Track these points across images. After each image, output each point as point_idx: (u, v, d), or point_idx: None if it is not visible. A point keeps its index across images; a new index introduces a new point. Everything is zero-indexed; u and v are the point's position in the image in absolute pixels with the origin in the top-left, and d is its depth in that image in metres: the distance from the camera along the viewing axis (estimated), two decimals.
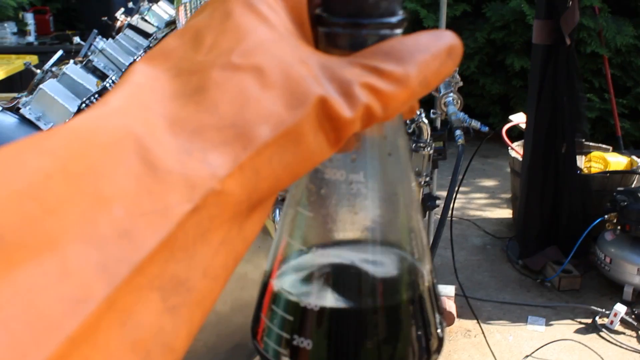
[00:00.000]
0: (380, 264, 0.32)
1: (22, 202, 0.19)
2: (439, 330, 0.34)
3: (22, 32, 5.28)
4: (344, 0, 0.28)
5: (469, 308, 2.60)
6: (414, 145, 2.20)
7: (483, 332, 2.55)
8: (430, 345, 0.33)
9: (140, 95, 0.24)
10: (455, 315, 2.68)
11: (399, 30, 0.28)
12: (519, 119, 3.71)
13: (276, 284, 0.33)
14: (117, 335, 0.20)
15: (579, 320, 2.75)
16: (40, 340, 0.18)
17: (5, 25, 5.05)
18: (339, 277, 0.33)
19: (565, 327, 2.70)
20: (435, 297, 0.34)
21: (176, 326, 0.22)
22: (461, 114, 1.85)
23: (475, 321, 2.65)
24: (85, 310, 0.19)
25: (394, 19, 0.28)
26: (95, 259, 0.19)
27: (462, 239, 3.52)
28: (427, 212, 2.36)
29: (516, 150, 3.52)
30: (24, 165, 0.20)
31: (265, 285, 0.34)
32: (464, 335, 2.62)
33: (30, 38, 5.32)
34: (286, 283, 0.33)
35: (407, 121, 2.16)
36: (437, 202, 2.24)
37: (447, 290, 2.75)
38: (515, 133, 3.85)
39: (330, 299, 0.31)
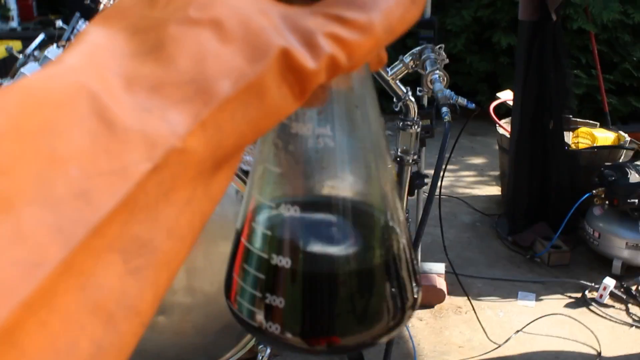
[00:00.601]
0: (351, 220, 0.32)
1: None
2: (413, 286, 0.33)
3: (4, 17, 5.22)
4: None
5: (460, 285, 2.61)
6: (401, 123, 2.19)
7: (474, 309, 2.56)
8: (404, 303, 0.33)
9: (96, 53, 0.23)
10: (446, 292, 2.70)
11: None
12: (506, 96, 3.71)
13: (247, 242, 0.33)
14: (76, 298, 0.19)
15: (568, 294, 2.77)
16: None
17: None
18: (310, 233, 0.32)
19: (556, 302, 2.72)
20: (410, 255, 0.34)
21: (140, 288, 0.21)
22: (447, 91, 1.85)
23: (465, 298, 2.66)
24: (40, 274, 0.18)
25: None
26: (51, 221, 0.19)
27: (451, 217, 3.53)
28: (416, 191, 2.36)
29: (504, 127, 3.52)
30: None
31: (236, 243, 0.34)
32: (455, 312, 2.63)
33: (14, 24, 5.26)
34: (257, 241, 0.32)
35: (394, 99, 2.15)
36: (426, 180, 2.24)
37: (437, 268, 2.76)
38: (503, 110, 3.85)
39: (301, 257, 0.31)
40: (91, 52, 0.23)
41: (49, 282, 0.18)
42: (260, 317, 0.32)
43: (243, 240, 0.33)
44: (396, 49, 2.32)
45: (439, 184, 1.84)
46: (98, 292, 0.20)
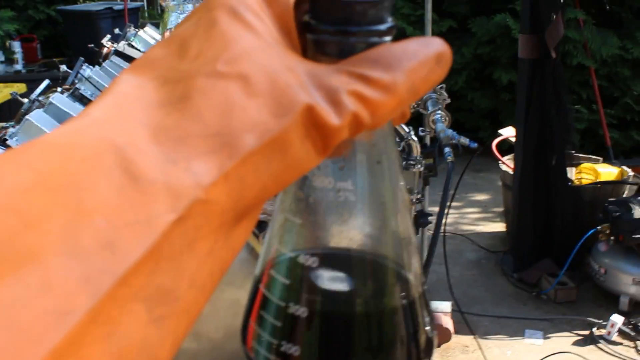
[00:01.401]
0: (368, 272, 0.32)
1: (1, 216, 0.19)
2: (429, 335, 0.34)
3: (9, 60, 5.29)
4: (333, 7, 0.27)
5: (466, 323, 2.59)
6: (404, 162, 2.20)
7: (480, 348, 2.54)
8: (419, 354, 0.33)
9: (123, 104, 0.24)
10: (452, 331, 2.67)
11: (387, 38, 0.28)
12: (508, 132, 3.72)
13: (265, 290, 0.33)
14: (102, 347, 0.19)
15: (576, 332, 2.75)
16: (24, 355, 0.18)
17: None
18: (327, 284, 0.32)
19: (563, 340, 2.69)
20: (426, 303, 0.34)
21: (161, 336, 0.21)
22: (450, 131, 1.86)
23: (472, 336, 2.64)
24: (68, 323, 0.18)
25: (382, 27, 0.28)
26: (78, 272, 0.19)
27: (456, 254, 3.51)
28: (420, 229, 2.35)
29: (507, 164, 3.52)
30: (1, 180, 0.20)
31: (255, 290, 0.34)
32: (462, 351, 2.61)
33: (18, 66, 5.32)
34: (275, 289, 0.33)
35: (397, 139, 2.16)
36: (430, 218, 2.24)
37: (443, 307, 2.74)
38: (506, 147, 3.86)
39: (317, 306, 0.31)
40: (118, 103, 0.24)
41: (77, 331, 0.18)
42: None
43: (261, 287, 0.33)
44: None
45: (443, 221, 1.84)
46: (123, 340, 0.20)
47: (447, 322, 2.67)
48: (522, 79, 3.14)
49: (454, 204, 4.15)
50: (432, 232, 1.81)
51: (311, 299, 0.32)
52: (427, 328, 0.34)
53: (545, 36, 2.89)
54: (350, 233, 0.32)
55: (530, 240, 3.21)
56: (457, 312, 2.77)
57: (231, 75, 0.24)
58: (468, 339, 2.67)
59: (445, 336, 2.65)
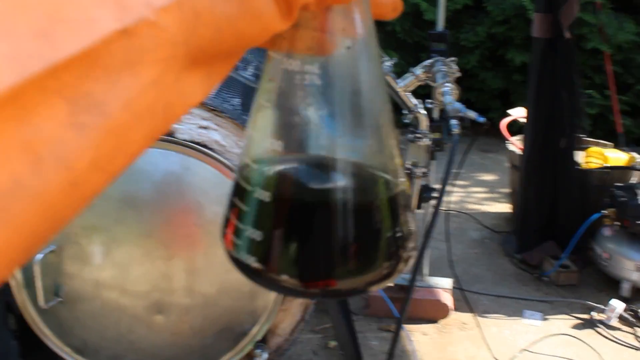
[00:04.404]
0: (348, 164, 0.32)
1: None
2: (408, 242, 0.33)
3: None
4: None
5: (465, 301, 2.59)
6: (411, 136, 2.19)
7: (478, 326, 2.54)
8: (398, 253, 0.32)
9: None
10: (451, 307, 2.67)
11: None
12: (518, 113, 3.70)
13: (241, 180, 0.33)
14: (10, 129, 0.19)
15: (575, 315, 2.74)
16: None
17: None
18: (305, 172, 0.32)
19: (562, 322, 2.69)
20: (408, 215, 0.34)
21: (79, 145, 0.20)
22: (457, 104, 1.84)
23: (471, 314, 2.64)
24: None
25: None
26: (7, 50, 0.19)
27: (460, 232, 3.51)
28: (424, 204, 2.34)
29: (515, 144, 3.50)
30: None
31: (235, 183, 0.34)
32: (460, 328, 2.61)
33: None
34: (251, 178, 0.33)
35: (404, 111, 2.15)
36: (434, 193, 2.23)
37: (444, 283, 2.74)
38: (516, 128, 3.83)
39: (294, 193, 0.31)
40: None
41: None
42: (254, 257, 0.32)
43: (239, 178, 0.33)
44: (410, 63, 2.32)
45: (445, 198, 1.83)
46: (34, 131, 0.19)
47: (447, 299, 2.66)
48: (534, 58, 3.10)
49: (460, 182, 4.15)
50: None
51: (288, 187, 0.32)
52: (408, 236, 0.34)
53: (560, 16, 2.86)
54: (314, 118, 0.32)
55: (535, 222, 3.19)
56: (457, 290, 2.77)
57: None
58: (467, 317, 2.67)
59: (443, 312, 2.65)
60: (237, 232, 0.32)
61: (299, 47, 0.29)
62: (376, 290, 0.34)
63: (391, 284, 2.67)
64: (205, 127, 1.37)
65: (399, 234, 0.33)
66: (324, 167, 0.32)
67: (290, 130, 0.32)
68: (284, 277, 0.31)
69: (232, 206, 0.33)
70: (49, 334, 1.44)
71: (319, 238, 0.31)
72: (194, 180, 1.31)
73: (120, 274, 1.38)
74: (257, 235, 0.31)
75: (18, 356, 1.58)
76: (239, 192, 0.33)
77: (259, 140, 0.33)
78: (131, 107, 0.22)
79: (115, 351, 1.45)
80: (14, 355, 1.57)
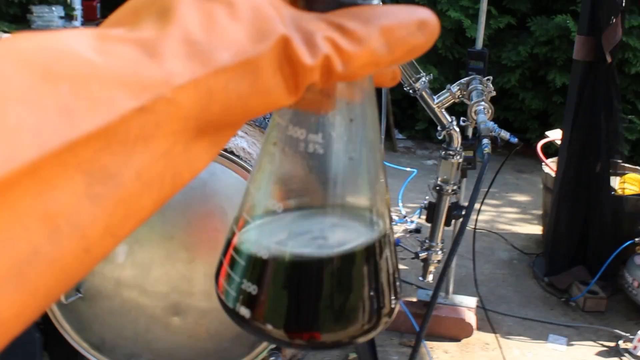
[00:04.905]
0: (329, 222, 0.33)
1: None
2: (392, 296, 0.35)
3: (69, 16, 5.36)
4: None
5: (488, 321, 2.57)
6: (443, 152, 2.18)
7: (500, 347, 2.52)
8: (380, 308, 0.34)
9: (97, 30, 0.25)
10: (474, 327, 2.65)
11: (375, 1, 0.29)
12: (555, 135, 3.66)
13: (238, 232, 0.35)
14: (31, 200, 0.20)
15: (601, 342, 2.70)
16: None
17: (54, 8, 5.13)
18: (297, 231, 0.34)
19: (587, 349, 2.65)
20: (393, 267, 0.35)
21: (94, 214, 0.22)
22: (490, 123, 1.83)
23: (494, 335, 2.62)
24: (6, 167, 0.19)
25: None
26: (32, 124, 0.20)
27: (489, 252, 3.48)
28: (453, 222, 2.34)
29: (550, 166, 3.47)
30: None
31: (231, 232, 0.36)
32: (482, 348, 2.59)
33: (77, 23, 5.39)
34: (244, 233, 0.34)
35: (439, 128, 2.15)
36: (463, 211, 2.22)
37: (468, 302, 2.72)
38: (552, 150, 3.80)
39: (286, 251, 0.33)
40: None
41: (11, 177, 0.19)
42: (243, 305, 0.33)
43: (236, 229, 0.35)
44: (449, 79, 2.32)
45: (474, 216, 1.82)
46: (53, 202, 0.21)
47: (470, 317, 2.65)
48: (574, 80, 3.08)
49: (492, 202, 4.11)
50: (468, 227, 1.80)
51: (280, 244, 0.33)
52: (393, 289, 0.35)
53: (602, 39, 2.83)
54: (320, 185, 0.33)
55: (565, 246, 3.16)
56: (481, 309, 2.75)
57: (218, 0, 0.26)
58: (489, 337, 2.65)
59: (466, 331, 2.63)
60: (228, 280, 0.34)
61: (301, 105, 0.31)
62: (362, 342, 0.35)
63: (413, 299, 2.66)
64: None
65: (382, 289, 0.34)
66: (315, 228, 0.33)
67: (288, 193, 0.34)
68: (269, 327, 0.32)
69: (226, 253, 0.35)
70: (68, 328, 1.47)
71: (306, 294, 0.32)
72: (218, 185, 1.33)
73: (141, 273, 1.40)
74: (247, 286, 0.33)
75: (41, 348, 1.61)
76: (234, 244, 0.35)
77: (258, 198, 0.34)
78: (142, 176, 0.23)
79: (132, 350, 1.47)
80: (37, 347, 1.61)
